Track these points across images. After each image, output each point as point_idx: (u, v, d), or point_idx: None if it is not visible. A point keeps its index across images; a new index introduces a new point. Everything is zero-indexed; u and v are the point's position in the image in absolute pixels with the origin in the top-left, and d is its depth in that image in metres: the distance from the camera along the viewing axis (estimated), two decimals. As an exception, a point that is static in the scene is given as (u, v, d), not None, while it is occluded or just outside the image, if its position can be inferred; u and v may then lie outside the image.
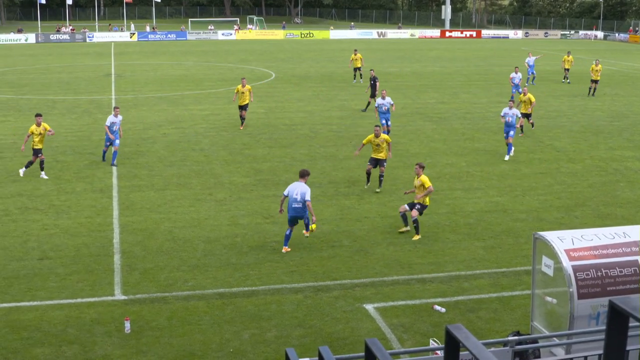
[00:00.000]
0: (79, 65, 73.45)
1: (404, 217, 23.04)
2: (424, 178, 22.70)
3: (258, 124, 40.35)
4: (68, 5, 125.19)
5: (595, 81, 52.89)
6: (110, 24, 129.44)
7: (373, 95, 44.53)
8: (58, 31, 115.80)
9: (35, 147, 29.23)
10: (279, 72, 65.76)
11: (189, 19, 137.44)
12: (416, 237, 22.66)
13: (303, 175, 21.72)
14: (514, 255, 21.47)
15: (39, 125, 29.58)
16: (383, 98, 36.75)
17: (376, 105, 37.12)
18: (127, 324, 16.19)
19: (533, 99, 37.81)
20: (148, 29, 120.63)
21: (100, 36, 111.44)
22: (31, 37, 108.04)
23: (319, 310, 17.55)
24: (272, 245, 21.84)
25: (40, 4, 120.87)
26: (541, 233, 14.64)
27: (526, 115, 38.07)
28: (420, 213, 22.80)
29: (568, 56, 61.07)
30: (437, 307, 17.66)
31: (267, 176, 29.75)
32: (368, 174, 28.29)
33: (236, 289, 18.76)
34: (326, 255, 21.13)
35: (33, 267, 20.10)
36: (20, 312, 17.32)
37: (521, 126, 37.40)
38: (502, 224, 24.31)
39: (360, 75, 58.92)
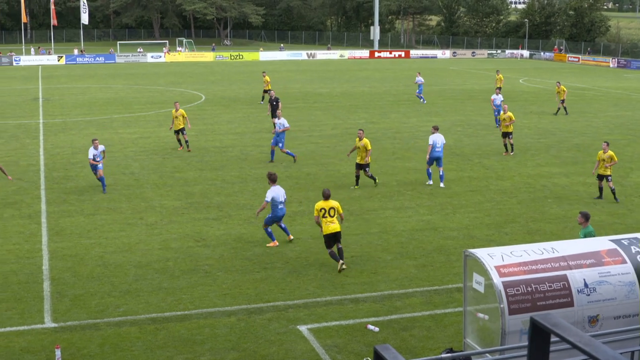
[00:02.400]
0: (5, 89, 72.32)
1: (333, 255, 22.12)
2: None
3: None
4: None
5: (562, 100, 53.75)
6: (39, 47, 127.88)
7: (274, 116, 44.16)
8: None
9: None
10: (208, 94, 65.55)
11: (118, 42, 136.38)
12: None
13: (276, 179, 23.83)
14: (445, 272, 21.64)
15: None
16: (278, 118, 37.01)
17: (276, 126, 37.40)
18: (58, 352, 15.90)
19: (513, 117, 38.43)
20: (76, 52, 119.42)
21: (27, 59, 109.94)
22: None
23: (253, 333, 17.47)
24: (205, 269, 21.72)
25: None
26: (471, 250, 14.79)
27: (506, 135, 38.43)
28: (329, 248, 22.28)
29: (498, 75, 61.95)
30: (371, 327, 17.71)
31: (198, 199, 29.59)
32: (357, 177, 31.32)
33: (169, 314, 18.60)
34: (259, 278, 21.07)
35: (-41, 296, 19.69)
36: (-54, 342, 16.94)
37: (512, 144, 38.50)
38: (434, 242, 24.50)
39: (262, 97, 59.31)
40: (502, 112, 38.71)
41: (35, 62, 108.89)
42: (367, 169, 31.03)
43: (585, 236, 18.30)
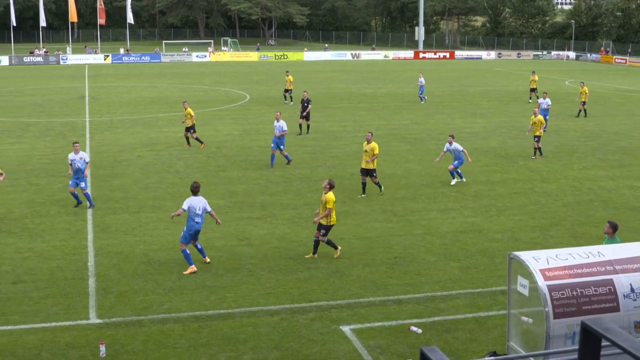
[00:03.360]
0: (52, 87, 73.19)
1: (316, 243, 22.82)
2: (329, 196, 22.48)
3: (233, 146, 40.33)
4: (42, 27, 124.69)
5: (583, 102, 53.17)
6: (86, 46, 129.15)
7: (302, 117, 44.38)
8: (31, 53, 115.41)
9: None
10: (253, 93, 65.77)
11: (163, 41, 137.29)
12: (337, 253, 22.84)
13: (197, 190, 22.11)
14: (489, 275, 21.52)
15: None
16: (277, 120, 35.37)
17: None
18: (102, 348, 16.07)
19: (544, 121, 37.71)
20: (122, 51, 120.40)
21: (74, 58, 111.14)
22: (4, 60, 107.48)
23: (295, 333, 17.50)
24: (248, 268, 21.79)
25: (14, 27, 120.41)
26: (516, 253, 14.69)
27: (536, 138, 37.68)
28: (324, 235, 22.61)
29: (533, 75, 61.66)
30: (414, 328, 17.65)
31: (242, 198, 29.69)
32: (363, 184, 29.99)
33: (212, 312, 18.69)
34: (302, 277, 21.10)
35: (7, 291, 19.93)
36: (-7, 337, 17.17)
37: (539, 149, 37.78)
38: (478, 244, 24.37)
39: (291, 97, 59.10)
40: (532, 115, 38.01)
41: (82, 61, 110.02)
42: (374, 174, 29.97)
43: None
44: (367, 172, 29.91)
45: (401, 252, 23.29)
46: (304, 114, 43.88)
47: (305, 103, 44.20)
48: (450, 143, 32.20)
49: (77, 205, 28.09)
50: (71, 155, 28.07)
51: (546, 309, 13.58)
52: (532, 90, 61.73)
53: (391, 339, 17.18)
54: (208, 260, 22.06)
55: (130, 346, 16.68)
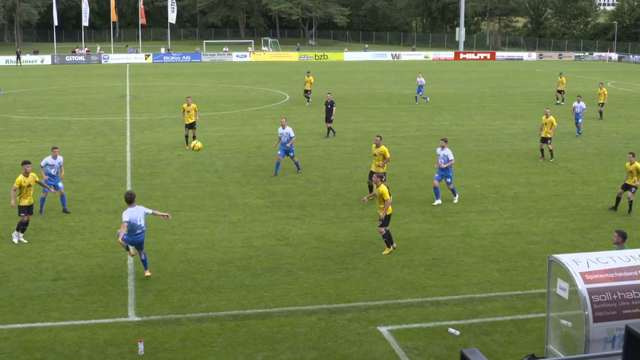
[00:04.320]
0: (94, 86, 73.83)
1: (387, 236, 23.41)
2: (382, 189, 22.86)
3: (272, 146, 40.37)
4: (84, 27, 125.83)
5: (600, 104, 52.50)
6: (127, 45, 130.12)
7: (328, 120, 43.71)
8: (74, 52, 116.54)
9: (22, 204, 24.09)
10: (293, 94, 65.84)
11: (204, 41, 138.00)
12: (387, 251, 23.11)
13: (133, 199, 20.51)
14: (528, 277, 21.37)
15: (27, 175, 24.21)
16: (283, 127, 33.45)
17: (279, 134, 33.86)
18: (141, 346, 16.16)
19: (555, 123, 36.90)
20: (163, 50, 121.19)
21: (115, 57, 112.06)
22: (47, 59, 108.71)
23: (333, 333, 17.49)
24: (286, 267, 21.82)
25: (56, 26, 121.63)
26: (556, 255, 14.59)
27: (545, 140, 37.05)
28: (384, 225, 22.98)
29: (560, 77, 61.24)
30: (452, 330, 17.58)
31: (281, 198, 29.75)
32: (370, 187, 29.25)
33: (250, 311, 18.73)
34: (340, 278, 21.09)
35: (47, 287, 20.12)
36: (33, 332, 17.32)
37: (550, 150, 37.19)
38: (517, 246, 24.21)
39: (308, 98, 58.82)
40: (544, 116, 37.27)
41: (123, 60, 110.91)
42: (383, 178, 27.12)
43: None
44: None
45: (440, 254, 23.21)
46: (331, 117, 43.44)
47: (329, 105, 43.60)
48: (443, 147, 29.07)
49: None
50: (47, 159, 27.16)
51: (586, 313, 13.48)
52: (560, 92, 61.26)
53: (429, 341, 17.12)
54: (148, 274, 20.68)
55: (168, 344, 16.76)
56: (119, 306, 18.88)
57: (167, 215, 21.55)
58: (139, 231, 20.32)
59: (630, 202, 28.37)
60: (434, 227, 26.06)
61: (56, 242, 23.87)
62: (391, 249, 23.23)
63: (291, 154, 33.78)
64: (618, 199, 28.75)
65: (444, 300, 19.60)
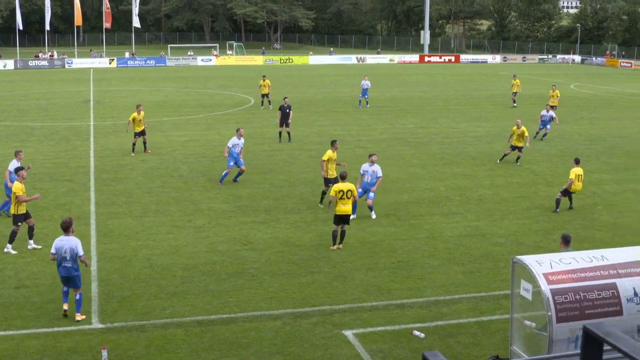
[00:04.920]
0: (57, 91, 73.24)
1: (334, 235, 23.98)
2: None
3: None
4: (47, 31, 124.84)
5: (553, 107, 52.54)
6: (91, 50, 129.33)
7: (282, 124, 42.95)
8: (37, 57, 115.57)
9: (19, 212, 23.49)
10: (258, 97, 65.66)
11: (169, 45, 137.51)
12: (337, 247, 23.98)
13: (68, 228, 18.54)
14: (492, 279, 21.48)
15: (22, 180, 23.70)
16: (239, 137, 33.09)
17: (229, 145, 32.97)
18: (105, 353, 16.02)
19: (527, 133, 36.63)
20: (127, 55, 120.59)
21: (79, 62, 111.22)
22: (10, 64, 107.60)
23: (298, 337, 17.46)
24: (251, 272, 21.76)
25: (19, 30, 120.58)
26: (519, 257, 14.67)
27: (515, 148, 36.74)
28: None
29: (514, 80, 61.53)
30: (417, 333, 17.61)
31: (246, 202, 29.67)
32: (323, 193, 29.35)
33: (214, 316, 18.65)
34: (305, 282, 21.06)
35: (9, 295, 19.91)
36: (-5, 341, 17.14)
37: (519, 157, 37.07)
38: (481, 248, 24.33)
39: (269, 102, 58.25)
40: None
41: (87, 65, 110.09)
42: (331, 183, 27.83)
43: None
44: (329, 182, 28.07)
45: (404, 257, 23.26)
46: (288, 121, 43.00)
47: (286, 110, 42.92)
48: (372, 163, 27.96)
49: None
50: (15, 163, 26.38)
51: (549, 313, 13.56)
52: (514, 94, 61.50)
53: (394, 344, 17.14)
54: (79, 318, 18.28)
55: (132, 351, 16.65)
56: (82, 313, 18.70)
57: (87, 264, 19.30)
58: (65, 263, 18.18)
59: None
60: (398, 230, 26.12)
61: (18, 249, 23.61)
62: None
63: (241, 163, 33.09)
64: (558, 201, 29.14)
65: (408, 303, 19.63)
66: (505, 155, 37.34)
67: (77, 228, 25.61)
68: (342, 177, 23.87)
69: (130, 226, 26.27)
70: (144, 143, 39.42)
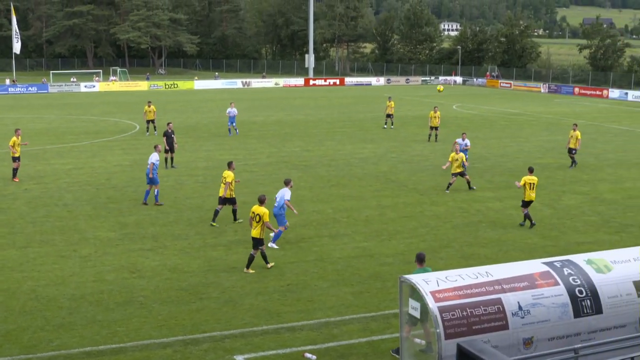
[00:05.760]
0: None
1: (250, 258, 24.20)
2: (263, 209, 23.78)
3: (123, 177, 39.79)
4: None
5: (435, 127, 53.62)
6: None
7: (168, 150, 42.65)
8: None
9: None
10: (143, 123, 64.93)
11: (51, 71, 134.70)
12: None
13: None
14: (382, 299, 21.69)
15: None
16: (158, 152, 34.05)
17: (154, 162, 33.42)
18: (-11, 389, 15.58)
19: (465, 159, 36.79)
20: (8, 81, 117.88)
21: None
22: None
23: (189, 364, 17.30)
24: (140, 300, 21.48)
25: None
26: (407, 276, 14.87)
27: (457, 174, 36.09)
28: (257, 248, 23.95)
29: (389, 102, 62.52)
30: (308, 355, 17.65)
31: (132, 230, 29.29)
32: (216, 212, 30.07)
33: (103, 347, 18.32)
34: (195, 308, 20.90)
35: None
36: None
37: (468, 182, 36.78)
38: (370, 268, 24.55)
39: (155, 127, 57.75)
40: (453, 152, 36.27)
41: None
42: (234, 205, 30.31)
43: None
44: (225, 201, 30.11)
45: (294, 279, 23.31)
46: (174, 145, 42.80)
47: (172, 134, 42.80)
48: (290, 187, 27.90)
49: None
50: None
51: (438, 330, 13.75)
52: (388, 116, 62.29)
53: (285, 367, 17.14)
54: None
55: (18, 385, 16.23)
56: (-36, 349, 18.16)
57: None
58: None
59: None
60: (287, 252, 26.16)
61: None
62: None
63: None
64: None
65: (299, 326, 19.67)
66: (450, 184, 36.35)
67: (-42, 261, 24.92)
68: (260, 201, 24.19)
69: (13, 257, 25.61)
70: (15, 170, 38.96)
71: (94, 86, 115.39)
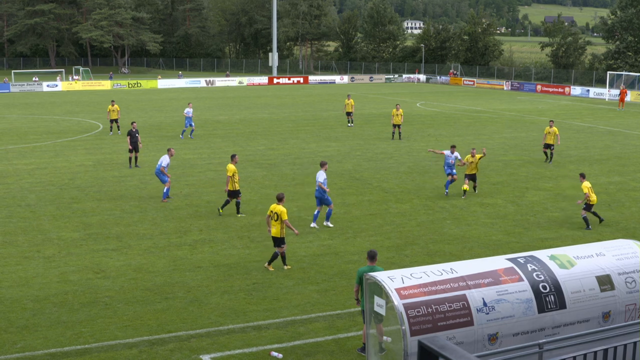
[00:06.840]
0: None
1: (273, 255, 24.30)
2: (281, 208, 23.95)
3: (86, 177, 39.52)
4: None
5: (398, 125, 53.80)
6: None
7: (132, 150, 42.63)
8: None
9: None
10: (106, 123, 64.58)
11: (12, 71, 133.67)
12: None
13: None
14: (347, 297, 21.73)
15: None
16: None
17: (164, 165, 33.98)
18: (-48, 392, 15.45)
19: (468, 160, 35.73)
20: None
21: None
22: None
23: (155, 364, 17.24)
24: (105, 301, 21.37)
25: None
26: (372, 274, 14.91)
27: (472, 176, 35.66)
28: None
29: (348, 99, 62.76)
30: (274, 354, 17.66)
31: (97, 230, 29.12)
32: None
33: (68, 348, 18.21)
34: (160, 308, 20.83)
35: None
36: None
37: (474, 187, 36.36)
38: (335, 266, 24.59)
39: (118, 127, 57.47)
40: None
41: None
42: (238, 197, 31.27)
43: None
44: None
45: (259, 278, 23.30)
46: (139, 145, 42.73)
47: (136, 134, 42.71)
48: (324, 165, 30.13)
49: None
50: None
51: (403, 327, 13.81)
52: (348, 114, 62.52)
53: (252, 366, 17.13)
54: None
55: (-18, 388, 16.10)
56: None
57: None
58: None
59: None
60: (252, 252, 26.15)
61: None
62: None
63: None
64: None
65: (265, 325, 19.67)
66: (465, 191, 35.39)
67: None
68: (278, 199, 24.38)
69: (-24, 259, 25.39)
70: None
71: (56, 85, 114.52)
